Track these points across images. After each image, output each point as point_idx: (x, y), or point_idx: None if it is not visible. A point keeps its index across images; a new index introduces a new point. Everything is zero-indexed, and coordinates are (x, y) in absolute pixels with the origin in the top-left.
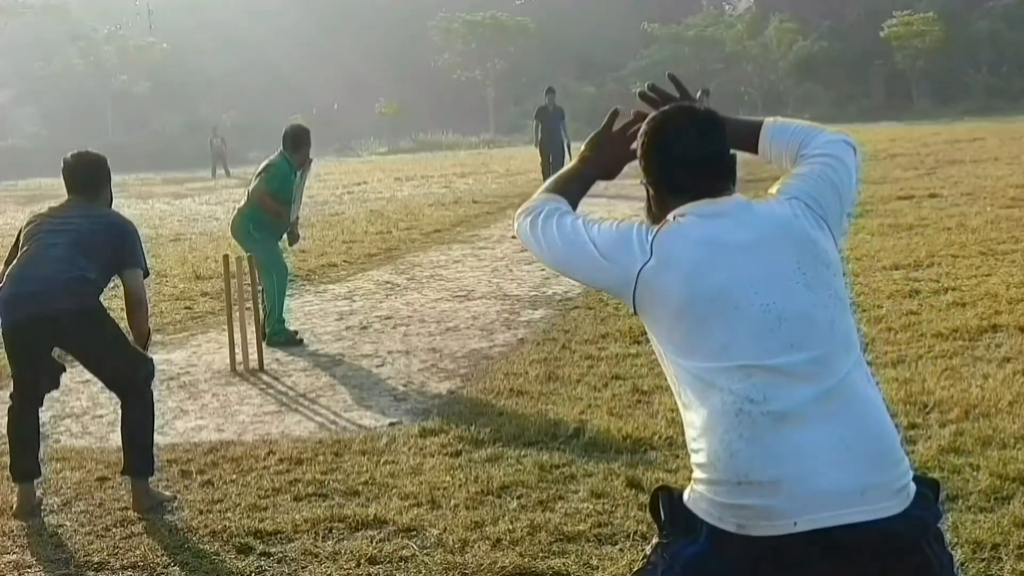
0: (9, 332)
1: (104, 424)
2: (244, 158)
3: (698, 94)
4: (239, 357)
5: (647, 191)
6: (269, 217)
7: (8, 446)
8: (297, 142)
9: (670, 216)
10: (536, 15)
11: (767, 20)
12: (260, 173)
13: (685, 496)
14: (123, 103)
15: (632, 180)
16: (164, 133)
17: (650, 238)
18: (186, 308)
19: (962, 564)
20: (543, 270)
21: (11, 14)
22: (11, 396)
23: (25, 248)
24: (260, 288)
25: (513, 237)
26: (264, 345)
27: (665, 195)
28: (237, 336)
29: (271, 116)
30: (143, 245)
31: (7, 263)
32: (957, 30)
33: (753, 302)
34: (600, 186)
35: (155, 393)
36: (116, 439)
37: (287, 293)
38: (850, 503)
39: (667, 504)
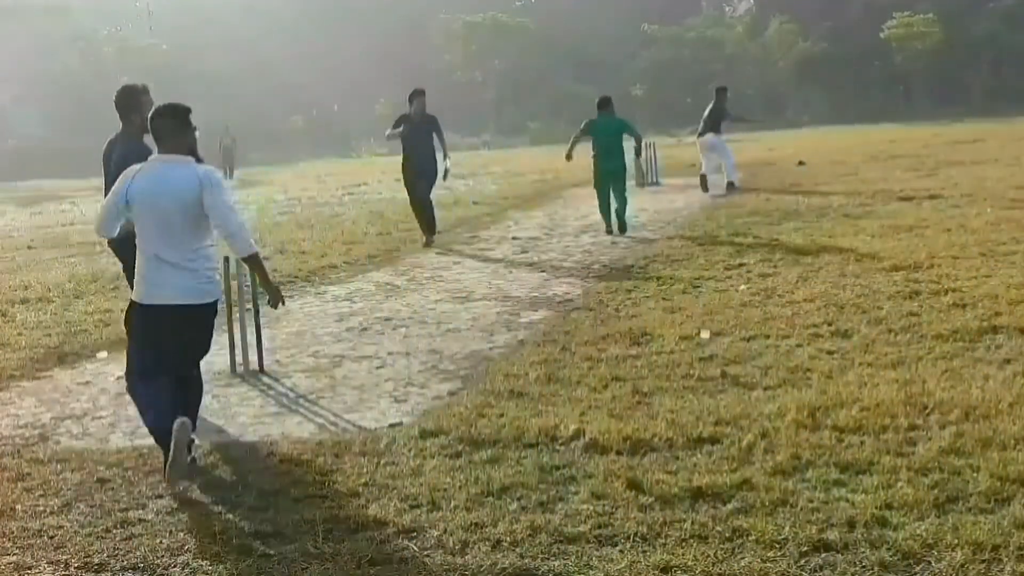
0: None
1: (104, 425)
2: (245, 159)
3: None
4: (239, 358)
5: None
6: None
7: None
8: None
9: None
10: (536, 16)
11: (767, 21)
12: (623, 126)
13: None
14: None
15: None
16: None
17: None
18: None
19: (962, 566)
20: (543, 271)
21: (11, 15)
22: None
23: None
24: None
25: (514, 238)
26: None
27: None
28: (237, 337)
29: (271, 117)
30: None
31: None
32: (957, 31)
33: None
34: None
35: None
36: (116, 440)
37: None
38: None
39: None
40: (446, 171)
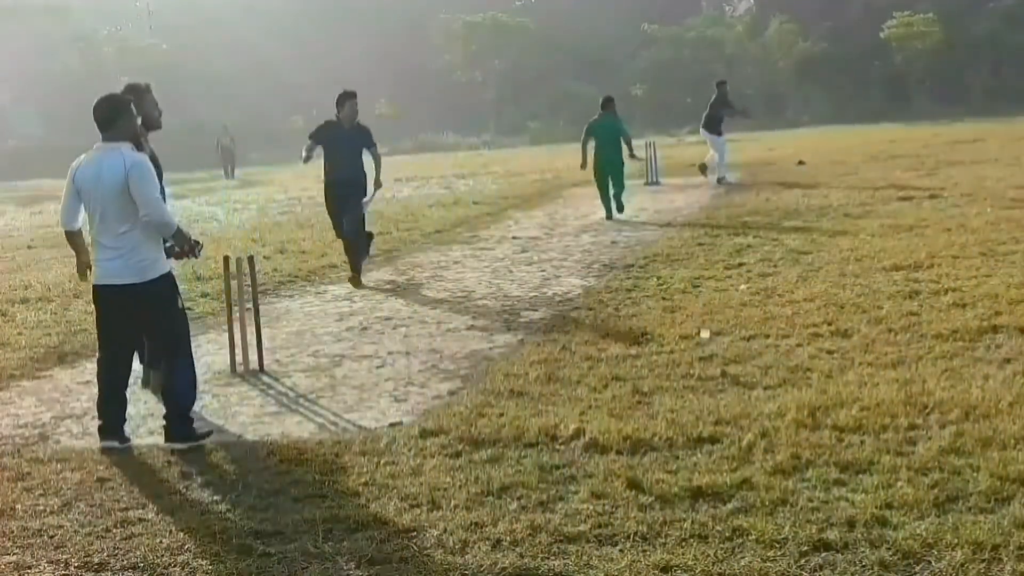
0: None
1: None
2: (245, 159)
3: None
4: (239, 358)
5: None
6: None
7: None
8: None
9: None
10: (536, 16)
11: (767, 21)
12: (619, 127)
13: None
14: None
15: None
16: (164, 134)
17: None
18: (186, 309)
19: (962, 565)
20: (543, 271)
21: (11, 15)
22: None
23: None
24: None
25: (514, 237)
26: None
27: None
28: (237, 337)
29: (271, 117)
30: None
31: None
32: (957, 31)
33: (91, 200)
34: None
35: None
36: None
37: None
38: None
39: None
40: (370, 198)
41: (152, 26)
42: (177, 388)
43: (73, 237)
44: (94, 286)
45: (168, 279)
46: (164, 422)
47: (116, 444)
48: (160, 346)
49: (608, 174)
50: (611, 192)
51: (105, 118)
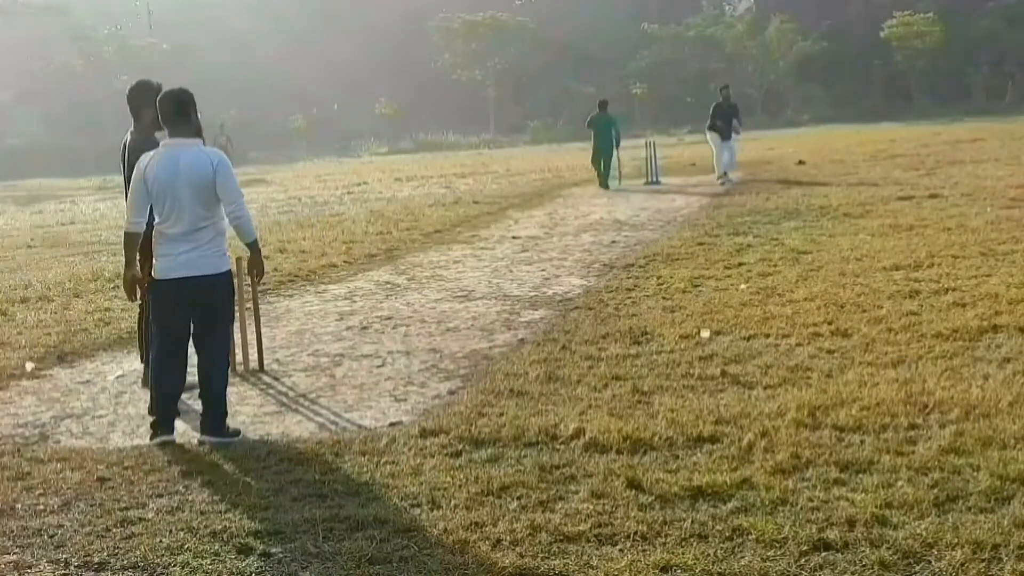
0: None
1: (104, 424)
2: (244, 158)
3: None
4: (239, 357)
5: None
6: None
7: None
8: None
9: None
10: (536, 15)
11: (767, 20)
12: (613, 124)
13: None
14: (123, 103)
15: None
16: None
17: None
18: None
19: (962, 565)
20: (543, 270)
21: (11, 13)
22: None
23: None
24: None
25: (514, 237)
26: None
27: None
28: (237, 336)
29: (271, 116)
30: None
31: None
32: (957, 30)
33: (166, 195)
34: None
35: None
36: (116, 439)
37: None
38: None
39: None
40: None
41: (152, 25)
42: (219, 384)
43: (134, 241)
44: (159, 281)
45: (231, 275)
46: (201, 416)
47: (172, 439)
48: (211, 341)
49: (601, 158)
50: (602, 170)
51: (177, 113)
